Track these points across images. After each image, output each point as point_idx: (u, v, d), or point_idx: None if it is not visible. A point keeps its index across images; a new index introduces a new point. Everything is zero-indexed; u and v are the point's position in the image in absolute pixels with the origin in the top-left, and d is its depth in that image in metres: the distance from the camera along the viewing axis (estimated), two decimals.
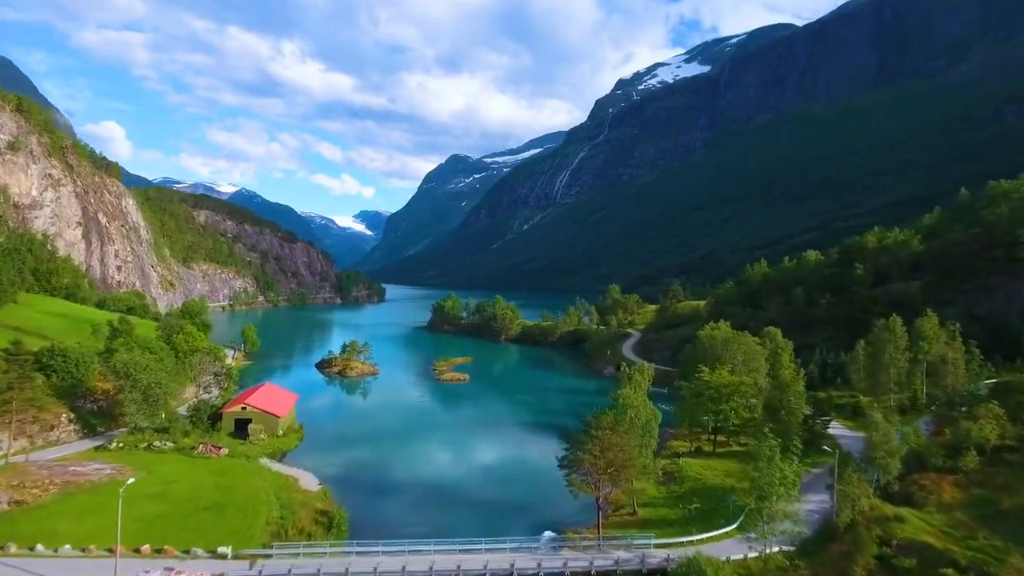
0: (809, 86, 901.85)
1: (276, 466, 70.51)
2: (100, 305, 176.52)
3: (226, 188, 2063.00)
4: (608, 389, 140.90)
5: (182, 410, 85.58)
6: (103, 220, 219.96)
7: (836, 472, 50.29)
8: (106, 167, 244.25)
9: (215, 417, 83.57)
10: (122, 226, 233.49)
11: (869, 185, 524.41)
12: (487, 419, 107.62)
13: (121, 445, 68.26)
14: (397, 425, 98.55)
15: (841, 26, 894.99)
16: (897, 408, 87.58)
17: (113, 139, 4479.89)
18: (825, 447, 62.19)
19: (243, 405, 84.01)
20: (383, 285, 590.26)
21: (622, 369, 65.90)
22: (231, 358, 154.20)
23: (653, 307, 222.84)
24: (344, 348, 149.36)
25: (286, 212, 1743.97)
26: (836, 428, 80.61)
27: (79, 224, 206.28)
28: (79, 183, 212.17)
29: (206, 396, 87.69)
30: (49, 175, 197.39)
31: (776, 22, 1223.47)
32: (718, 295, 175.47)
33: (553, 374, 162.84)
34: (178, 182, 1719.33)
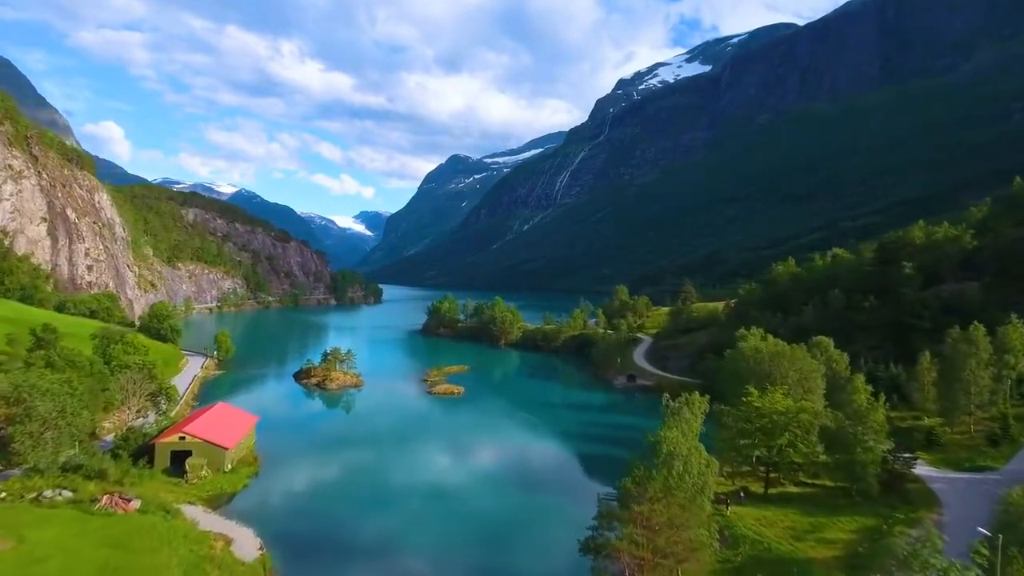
0: (811, 85, 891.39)
1: (208, 520, 54.65)
2: (60, 308, 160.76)
3: (226, 188, 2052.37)
4: (620, 404, 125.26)
5: (109, 440, 69.96)
6: (72, 216, 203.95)
7: (999, 566, 34.39)
8: (78, 159, 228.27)
9: (147, 449, 67.88)
10: (94, 222, 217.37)
11: (874, 185, 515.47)
12: (482, 445, 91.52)
13: (3, 495, 52.37)
14: (374, 454, 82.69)
15: (843, 25, 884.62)
16: (986, 437, 71.96)
17: (112, 139, 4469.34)
18: (951, 535, 45.59)
19: (181, 434, 68.24)
20: (382, 285, 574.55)
21: (665, 401, 49.53)
22: (200, 367, 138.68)
23: (664, 309, 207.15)
24: (325, 356, 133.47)
25: (286, 212, 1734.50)
26: (919, 467, 64.61)
27: (44, 220, 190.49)
28: (45, 176, 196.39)
29: (140, 422, 71.87)
30: (9, 166, 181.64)
31: (776, 21, 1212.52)
32: (740, 297, 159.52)
33: (558, 385, 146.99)
34: (178, 182, 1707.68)
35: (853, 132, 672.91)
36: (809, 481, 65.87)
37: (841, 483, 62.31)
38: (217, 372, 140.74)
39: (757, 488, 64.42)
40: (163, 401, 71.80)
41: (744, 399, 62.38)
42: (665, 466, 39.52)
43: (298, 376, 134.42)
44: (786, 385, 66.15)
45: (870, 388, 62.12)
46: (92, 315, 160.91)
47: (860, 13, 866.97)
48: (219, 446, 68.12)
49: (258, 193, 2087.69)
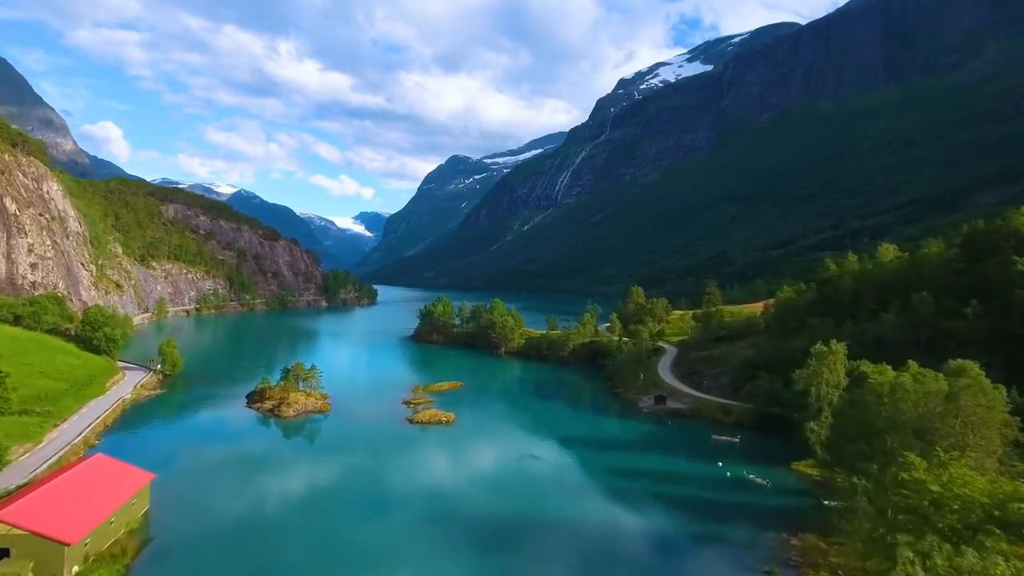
0: (815, 84, 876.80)
1: None
2: None
3: (225, 189, 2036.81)
4: (651, 437, 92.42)
5: None
6: (12, 207, 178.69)
7: None
8: (23, 143, 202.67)
9: None
10: (40, 215, 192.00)
11: (882, 184, 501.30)
12: (473, 516, 64.33)
13: None
14: (315, 533, 57.25)
15: (847, 23, 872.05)
16: None
17: (110, 139, 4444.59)
18: None
19: None
20: (381, 286, 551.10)
21: None
22: (133, 386, 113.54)
23: (686, 313, 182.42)
24: (284, 374, 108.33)
25: (285, 213, 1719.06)
26: None
27: None
28: None
29: None
30: None
31: (776, 21, 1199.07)
32: (783, 300, 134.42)
33: (570, 408, 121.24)
34: (177, 182, 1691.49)
35: (857, 131, 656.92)
36: None
37: None
38: (155, 392, 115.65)
39: None
40: None
41: (906, 474, 37.25)
42: None
43: (251, 398, 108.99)
44: (965, 448, 41.16)
45: None
46: (16, 321, 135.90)
47: (864, 11, 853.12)
48: (54, 540, 42.94)
49: (257, 193, 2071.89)
